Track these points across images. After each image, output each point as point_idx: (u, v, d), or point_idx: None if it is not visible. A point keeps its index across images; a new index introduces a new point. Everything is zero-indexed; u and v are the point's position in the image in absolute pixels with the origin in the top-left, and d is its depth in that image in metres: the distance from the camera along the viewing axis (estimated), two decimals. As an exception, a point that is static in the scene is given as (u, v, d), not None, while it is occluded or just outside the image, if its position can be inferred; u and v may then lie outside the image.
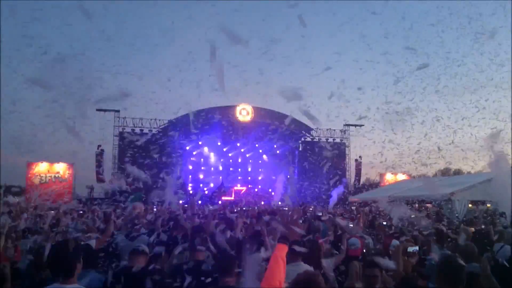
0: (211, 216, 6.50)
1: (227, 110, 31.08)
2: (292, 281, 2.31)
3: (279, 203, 12.53)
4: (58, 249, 2.61)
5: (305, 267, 3.71)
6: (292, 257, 3.99)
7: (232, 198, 28.60)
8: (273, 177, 28.82)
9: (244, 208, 15.17)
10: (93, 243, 4.64)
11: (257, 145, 31.01)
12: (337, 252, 5.18)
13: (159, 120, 30.75)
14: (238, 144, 30.78)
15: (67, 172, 29.76)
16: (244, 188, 30.46)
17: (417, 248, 4.75)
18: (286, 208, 9.79)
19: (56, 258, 2.52)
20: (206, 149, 31.02)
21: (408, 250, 4.55)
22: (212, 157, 31.57)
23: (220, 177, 30.83)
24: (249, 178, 31.51)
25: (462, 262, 2.88)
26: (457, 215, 12.63)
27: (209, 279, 3.38)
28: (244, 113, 30.93)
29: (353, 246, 5.08)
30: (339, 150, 33.61)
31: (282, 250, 2.19)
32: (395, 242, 5.19)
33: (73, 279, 2.50)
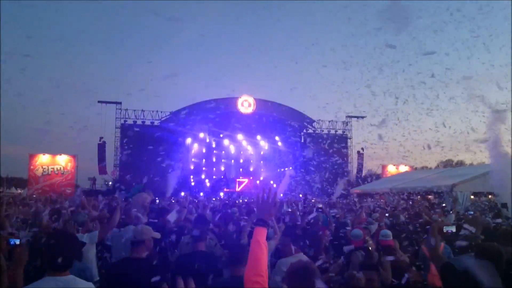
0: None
1: (229, 102, 30.98)
2: (287, 270, 2.30)
3: (281, 195, 12.52)
4: (56, 241, 2.58)
5: (305, 258, 3.71)
6: (293, 249, 4.05)
7: (235, 190, 28.67)
8: (279, 170, 28.81)
9: (246, 200, 15.22)
10: (95, 234, 4.52)
11: (259, 137, 30.94)
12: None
13: (161, 112, 30.73)
14: (240, 136, 30.72)
15: (69, 164, 29.84)
16: (246, 180, 30.49)
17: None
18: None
19: (53, 250, 2.47)
20: (208, 141, 31.00)
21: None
22: (214, 149, 31.56)
23: (222, 168, 30.86)
24: (251, 170, 31.51)
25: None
26: (460, 207, 12.59)
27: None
28: (246, 104, 30.79)
29: (356, 238, 5.07)
30: (341, 142, 33.51)
31: (261, 234, 2.00)
32: (385, 231, 5.39)
33: (68, 271, 2.48)
